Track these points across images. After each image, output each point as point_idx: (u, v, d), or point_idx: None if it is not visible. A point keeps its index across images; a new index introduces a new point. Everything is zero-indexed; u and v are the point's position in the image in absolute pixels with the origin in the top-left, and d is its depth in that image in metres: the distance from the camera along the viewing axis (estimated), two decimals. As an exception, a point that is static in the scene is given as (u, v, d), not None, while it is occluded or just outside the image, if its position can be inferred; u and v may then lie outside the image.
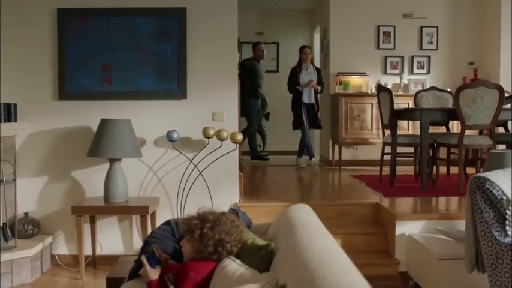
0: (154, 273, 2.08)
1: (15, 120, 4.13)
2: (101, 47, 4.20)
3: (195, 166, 4.18)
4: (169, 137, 4.13)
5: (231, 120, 4.29)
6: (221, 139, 4.11)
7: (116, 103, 4.25)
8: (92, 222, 4.16)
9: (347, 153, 7.24)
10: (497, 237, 2.81)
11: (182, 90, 4.23)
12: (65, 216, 4.25)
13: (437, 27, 7.36)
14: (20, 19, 4.20)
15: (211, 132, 4.10)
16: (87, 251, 4.19)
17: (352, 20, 7.29)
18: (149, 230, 3.96)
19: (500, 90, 4.72)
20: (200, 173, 4.18)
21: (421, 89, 6.68)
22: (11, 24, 4.19)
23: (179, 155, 4.26)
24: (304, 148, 7.15)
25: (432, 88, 6.11)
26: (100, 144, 3.92)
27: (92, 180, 4.26)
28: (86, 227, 4.17)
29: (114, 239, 4.30)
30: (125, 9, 4.19)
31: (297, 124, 7.02)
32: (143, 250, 2.52)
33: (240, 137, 4.14)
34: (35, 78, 4.23)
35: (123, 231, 4.32)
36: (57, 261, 4.23)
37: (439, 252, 3.41)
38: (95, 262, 4.18)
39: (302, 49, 7.06)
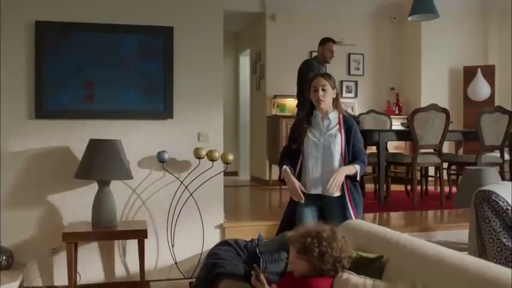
0: None
1: (-14, 141, 3.76)
2: (83, 63, 3.98)
3: (186, 187, 4.10)
4: (159, 157, 4.02)
5: (216, 141, 4.28)
6: (212, 160, 4.09)
7: (98, 122, 4.04)
8: (75, 249, 3.88)
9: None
10: (506, 243, 3.13)
11: (168, 110, 4.14)
12: (39, 245, 3.92)
13: (363, 54, 7.94)
14: (-9, 30, 3.86)
15: (203, 152, 4.06)
16: (63, 281, 3.90)
17: (287, 44, 7.59)
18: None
19: (447, 113, 5.25)
20: (191, 194, 4.10)
21: (351, 111, 7.14)
22: (-20, 35, 3.83)
23: (164, 176, 4.15)
24: None
25: (371, 111, 6.57)
26: (90, 165, 3.70)
27: (70, 205, 3.98)
28: (63, 255, 3.90)
29: (94, 267, 4.04)
30: (110, 25, 4.02)
31: None
32: (210, 273, 2.46)
33: (231, 157, 4.14)
34: (9, 95, 3.88)
35: (105, 257, 4.08)
36: (30, 295, 3.88)
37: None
38: (76, 293, 3.90)
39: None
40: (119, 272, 4.10)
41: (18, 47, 3.89)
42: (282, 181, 3.35)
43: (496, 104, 7.11)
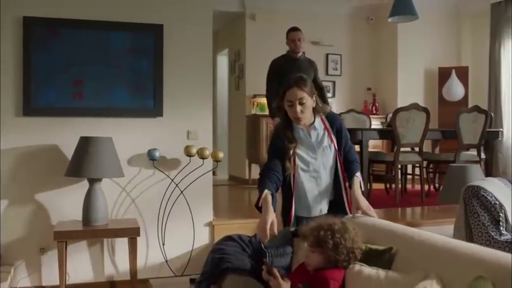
0: (286, 285, 2.09)
1: (-27, 138, 3.68)
2: (72, 60, 3.93)
3: (177, 185, 4.09)
4: (150, 155, 4.00)
5: (205, 139, 4.28)
6: (203, 157, 4.09)
7: (86, 120, 3.99)
8: (65, 248, 3.82)
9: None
10: (494, 237, 3.25)
11: (158, 108, 4.13)
12: (27, 245, 3.86)
13: (340, 55, 8.05)
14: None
15: (194, 150, 4.07)
16: (51, 281, 3.85)
17: (267, 44, 7.61)
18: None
19: (427, 112, 5.38)
20: (181, 192, 4.09)
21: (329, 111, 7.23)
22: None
23: (154, 174, 4.14)
24: None
25: (351, 110, 6.68)
26: (81, 163, 3.66)
27: (59, 204, 3.92)
28: (52, 254, 3.85)
29: (83, 266, 3.99)
30: (99, 22, 3.98)
31: None
32: (216, 268, 2.46)
33: (221, 155, 4.16)
34: (-5, 92, 3.81)
35: (93, 256, 4.03)
36: (18, 295, 3.81)
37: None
38: (65, 292, 3.85)
39: None
40: (108, 270, 4.06)
41: (5, 43, 3.82)
42: (258, 208, 2.68)
43: (470, 104, 7.32)
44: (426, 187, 6.01)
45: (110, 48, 4.02)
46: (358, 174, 2.86)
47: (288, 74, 4.43)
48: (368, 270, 2.01)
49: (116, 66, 4.03)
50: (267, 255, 2.48)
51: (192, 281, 3.01)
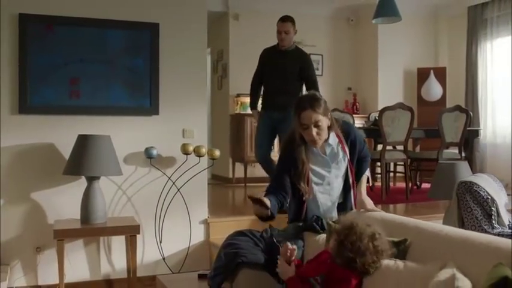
0: (292, 271, 2.15)
1: (-32, 136, 3.63)
2: (69, 58, 3.91)
3: (173, 183, 4.12)
4: (147, 153, 4.02)
5: (200, 137, 4.32)
6: (199, 155, 4.13)
7: (83, 118, 3.98)
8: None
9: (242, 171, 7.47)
10: (487, 230, 3.39)
11: (154, 106, 4.14)
12: (23, 244, 3.83)
13: (322, 55, 8.18)
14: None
15: (191, 148, 4.10)
16: (47, 280, 3.83)
17: (251, 44, 7.67)
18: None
19: (412, 112, 5.54)
20: (178, 190, 4.12)
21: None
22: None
23: (150, 172, 4.15)
24: None
25: (335, 110, 6.79)
26: (81, 161, 3.65)
27: (55, 203, 3.90)
28: (48, 253, 3.84)
29: (79, 265, 3.98)
30: (96, 20, 3.97)
31: None
32: (230, 263, 2.51)
33: (217, 153, 4.20)
34: (-9, 90, 3.76)
35: (90, 255, 4.02)
36: (14, 295, 3.78)
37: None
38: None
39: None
40: (105, 269, 4.06)
41: (1, 40, 3.77)
42: (261, 219, 2.65)
43: (448, 103, 7.54)
44: (409, 184, 6.17)
45: (106, 46, 4.02)
46: (367, 171, 2.92)
47: (270, 66, 4.81)
48: (386, 261, 2.09)
49: (113, 65, 4.03)
50: (280, 249, 2.54)
51: (200, 276, 3.04)
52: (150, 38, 4.11)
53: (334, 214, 2.80)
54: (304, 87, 4.92)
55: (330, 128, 2.72)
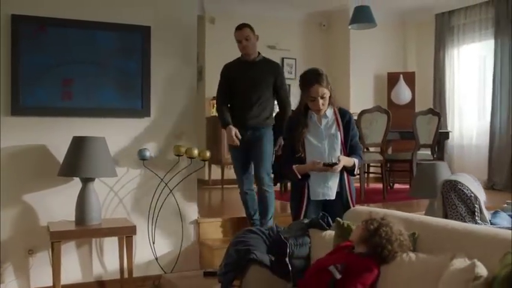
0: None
1: (-40, 138, 3.58)
2: (61, 59, 3.91)
3: (166, 184, 4.16)
4: (141, 155, 4.05)
5: (190, 139, 4.38)
6: (191, 157, 4.19)
7: (75, 120, 3.98)
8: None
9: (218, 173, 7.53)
10: (471, 226, 3.60)
11: (146, 108, 4.18)
12: (14, 247, 3.80)
13: (295, 59, 8.35)
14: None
15: (183, 150, 4.16)
16: (39, 283, 3.82)
17: (226, 47, 7.74)
18: (134, 251, 3.83)
19: (388, 114, 5.76)
20: (171, 191, 4.17)
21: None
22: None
23: (141, 174, 4.19)
24: None
25: (311, 112, 6.96)
26: (76, 162, 3.66)
27: (47, 204, 3.88)
28: (41, 256, 3.83)
29: (71, 267, 3.96)
30: (88, 22, 3.98)
31: None
32: (242, 259, 2.59)
33: (208, 154, 4.27)
34: (-18, 91, 3.72)
35: (82, 257, 4.02)
36: (6, 300, 3.74)
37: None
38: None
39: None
40: (97, 271, 4.06)
41: (-7, 40, 3.74)
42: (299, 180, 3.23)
43: (417, 107, 7.84)
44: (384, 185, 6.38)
45: (98, 48, 4.03)
46: (356, 160, 3.26)
47: (238, 80, 4.22)
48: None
49: (105, 67, 4.05)
50: (288, 245, 2.65)
51: (205, 274, 3.11)
52: (142, 40, 4.15)
53: (327, 192, 3.23)
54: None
55: (330, 98, 3.21)
